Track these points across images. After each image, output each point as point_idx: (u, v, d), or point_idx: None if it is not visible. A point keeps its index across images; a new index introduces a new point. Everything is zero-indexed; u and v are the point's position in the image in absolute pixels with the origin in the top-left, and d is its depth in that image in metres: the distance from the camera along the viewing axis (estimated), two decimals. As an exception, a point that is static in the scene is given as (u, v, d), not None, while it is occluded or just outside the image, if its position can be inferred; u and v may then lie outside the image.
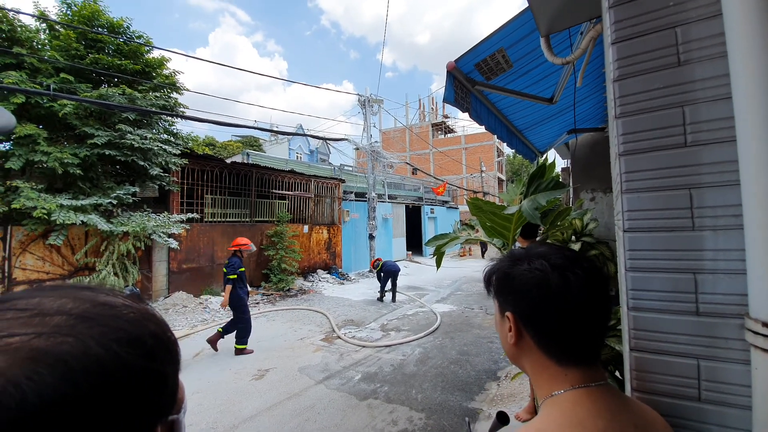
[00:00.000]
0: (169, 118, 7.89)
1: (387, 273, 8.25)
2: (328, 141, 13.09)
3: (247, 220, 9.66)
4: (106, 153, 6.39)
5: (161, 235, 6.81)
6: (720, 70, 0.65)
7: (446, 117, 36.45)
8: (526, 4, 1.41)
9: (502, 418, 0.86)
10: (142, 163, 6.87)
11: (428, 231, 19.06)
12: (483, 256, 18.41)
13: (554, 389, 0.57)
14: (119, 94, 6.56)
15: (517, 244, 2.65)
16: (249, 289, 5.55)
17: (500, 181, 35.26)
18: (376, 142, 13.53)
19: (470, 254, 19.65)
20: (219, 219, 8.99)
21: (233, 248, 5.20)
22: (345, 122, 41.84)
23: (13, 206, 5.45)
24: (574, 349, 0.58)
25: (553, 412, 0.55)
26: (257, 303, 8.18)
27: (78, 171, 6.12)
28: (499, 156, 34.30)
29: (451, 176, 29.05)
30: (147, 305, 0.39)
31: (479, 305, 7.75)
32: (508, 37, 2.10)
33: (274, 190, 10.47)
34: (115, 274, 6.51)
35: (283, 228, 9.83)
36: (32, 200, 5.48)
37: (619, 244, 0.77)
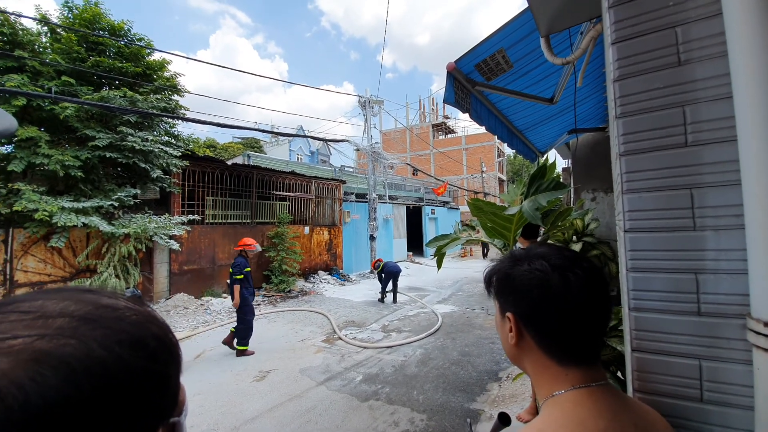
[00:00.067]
0: (170, 120, 7.93)
1: (388, 274, 8.24)
2: (328, 142, 13.11)
3: (248, 221, 9.66)
4: (108, 155, 6.41)
5: (162, 236, 6.82)
6: (720, 69, 0.65)
7: (447, 118, 36.41)
8: (526, 5, 1.41)
9: (504, 419, 0.86)
10: (143, 165, 6.89)
11: (429, 232, 19.03)
12: (485, 256, 18.36)
13: (555, 389, 0.57)
14: (120, 96, 6.59)
15: (518, 245, 2.65)
16: (254, 289, 5.55)
17: (501, 181, 35.23)
18: (376, 143, 13.53)
19: (471, 255, 19.62)
20: (220, 220, 9.00)
21: (239, 248, 5.21)
22: (345, 123, 41.95)
23: (14, 209, 5.47)
24: (575, 349, 0.58)
25: (554, 412, 0.55)
26: (258, 304, 8.17)
27: (79, 173, 6.14)
28: (499, 156, 34.28)
29: (451, 177, 29.00)
30: (148, 307, 0.39)
31: (480, 306, 7.74)
32: (508, 38, 2.10)
33: (274, 192, 10.47)
34: (117, 276, 6.51)
35: (284, 229, 9.83)
36: (34, 202, 5.49)
37: (621, 245, 0.77)
